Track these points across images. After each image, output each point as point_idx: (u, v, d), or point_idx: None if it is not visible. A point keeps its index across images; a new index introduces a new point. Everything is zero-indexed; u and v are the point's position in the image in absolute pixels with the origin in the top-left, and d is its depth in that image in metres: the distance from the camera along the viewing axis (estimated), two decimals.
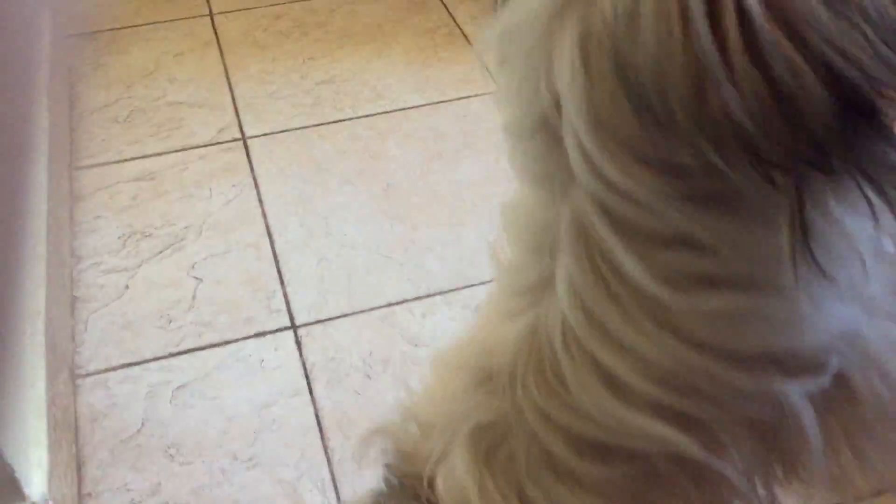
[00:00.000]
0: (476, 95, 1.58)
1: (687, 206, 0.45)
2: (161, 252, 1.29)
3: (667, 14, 0.39)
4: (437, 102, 1.57)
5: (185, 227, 1.33)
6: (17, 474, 0.81)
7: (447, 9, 1.82)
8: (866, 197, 0.41)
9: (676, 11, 0.39)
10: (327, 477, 1.00)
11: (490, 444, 0.57)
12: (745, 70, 0.38)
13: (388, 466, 0.64)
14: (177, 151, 1.47)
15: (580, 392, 0.52)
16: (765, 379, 0.50)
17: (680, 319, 0.48)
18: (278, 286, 1.23)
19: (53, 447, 0.91)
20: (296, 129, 1.52)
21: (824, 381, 0.50)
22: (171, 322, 1.18)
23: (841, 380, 0.51)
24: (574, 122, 0.44)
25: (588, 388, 0.52)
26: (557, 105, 0.46)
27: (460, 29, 1.76)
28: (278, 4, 1.84)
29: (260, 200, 1.38)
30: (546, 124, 0.48)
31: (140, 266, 1.26)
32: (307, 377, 1.11)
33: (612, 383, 0.51)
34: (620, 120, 0.43)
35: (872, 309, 0.50)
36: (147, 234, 1.32)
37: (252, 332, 1.17)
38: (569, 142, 0.46)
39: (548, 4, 0.45)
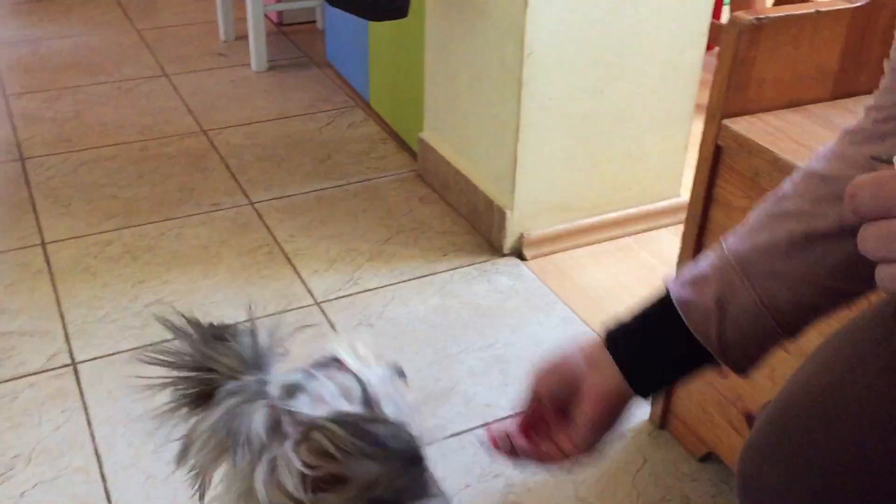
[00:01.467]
0: (293, 309, 1.77)
1: None
2: None
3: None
4: (259, 318, 1.74)
5: (14, 457, 1.40)
6: None
7: (268, 229, 2.03)
8: None
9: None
10: None
11: None
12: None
13: None
14: (6, 381, 1.55)
15: None
16: None
17: None
18: None
19: None
20: (125, 350, 1.64)
21: None
22: None
23: None
24: None
25: None
26: None
27: (280, 247, 1.97)
28: (109, 231, 1.99)
29: (89, 423, 1.47)
30: None
31: None
32: None
33: None
34: None
35: None
36: None
37: None
38: None
39: None
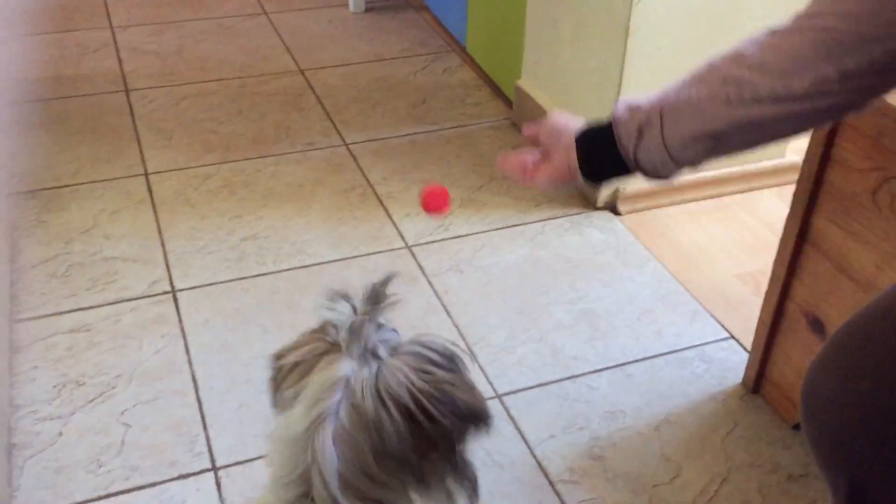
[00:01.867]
0: (384, 251, 1.78)
1: None
2: (93, 400, 1.41)
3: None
4: (351, 258, 1.76)
5: (117, 377, 1.46)
6: None
7: (362, 171, 2.04)
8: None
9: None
10: None
11: None
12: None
13: None
14: (110, 304, 1.61)
15: None
16: None
17: None
18: (201, 430, 1.37)
19: None
20: (221, 282, 1.69)
21: None
22: (101, 466, 1.30)
23: None
24: (328, 485, 0.77)
25: None
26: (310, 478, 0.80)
27: (373, 189, 1.98)
28: (208, 165, 2.04)
29: (187, 350, 1.52)
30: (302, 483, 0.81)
31: (73, 414, 1.38)
32: None
33: None
34: (359, 482, 0.79)
35: None
36: (80, 383, 1.44)
37: (175, 475, 1.30)
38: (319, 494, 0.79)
39: (306, 419, 0.79)
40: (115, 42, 2.59)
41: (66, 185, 1.94)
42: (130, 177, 1.98)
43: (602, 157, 0.85)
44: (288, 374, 0.83)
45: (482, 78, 2.47)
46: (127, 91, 2.33)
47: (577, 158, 0.86)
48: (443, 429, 0.78)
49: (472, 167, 2.08)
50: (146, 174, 2.00)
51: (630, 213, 1.92)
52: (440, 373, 0.80)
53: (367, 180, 2.01)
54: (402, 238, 1.82)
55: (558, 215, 1.91)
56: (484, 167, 2.07)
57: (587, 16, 1.84)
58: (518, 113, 2.22)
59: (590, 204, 1.94)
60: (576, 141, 0.87)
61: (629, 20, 1.69)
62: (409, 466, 0.79)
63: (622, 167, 0.84)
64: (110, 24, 2.71)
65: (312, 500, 0.77)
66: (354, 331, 0.80)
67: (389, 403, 0.77)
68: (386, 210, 1.91)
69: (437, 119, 2.27)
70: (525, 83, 2.18)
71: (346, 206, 1.92)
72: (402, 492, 0.80)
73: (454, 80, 2.47)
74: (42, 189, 1.92)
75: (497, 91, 2.40)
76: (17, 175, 1.95)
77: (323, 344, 0.83)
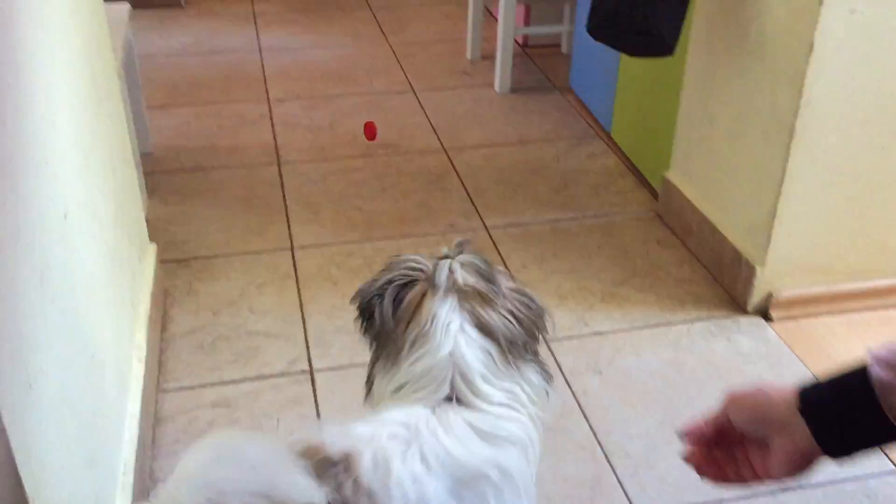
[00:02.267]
0: None
1: None
2: None
3: None
4: None
5: None
6: None
7: (501, 257, 2.03)
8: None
9: None
10: None
11: None
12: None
13: None
14: (251, 380, 1.64)
15: None
16: None
17: None
18: None
19: None
20: (360, 365, 1.69)
21: None
22: None
23: None
24: (472, 383, 0.93)
25: None
26: None
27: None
28: (351, 242, 2.07)
29: None
30: None
31: None
32: None
33: None
34: (492, 374, 0.94)
35: None
36: None
37: None
38: None
39: (448, 341, 0.94)
40: (271, 115, 2.71)
41: (217, 256, 2.01)
42: (277, 250, 2.04)
43: (855, 428, 0.69)
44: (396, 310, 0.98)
45: (626, 165, 2.43)
46: (279, 164, 2.42)
47: (813, 436, 0.70)
48: (535, 320, 0.99)
49: (614, 259, 2.02)
50: (292, 248, 2.05)
51: (783, 319, 1.81)
52: (509, 283, 1.01)
53: (507, 267, 1.99)
54: None
55: (704, 317, 1.82)
56: (626, 260, 2.02)
57: (747, 113, 1.77)
58: (664, 205, 2.16)
59: (739, 307, 1.84)
60: (802, 415, 0.70)
61: (795, 120, 1.62)
62: (523, 354, 0.97)
63: (890, 435, 0.68)
64: (268, 97, 2.84)
65: (458, 399, 0.92)
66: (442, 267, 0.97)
67: (502, 311, 0.95)
68: None
69: (579, 206, 2.24)
70: (674, 175, 2.12)
71: None
72: (518, 377, 0.96)
73: (598, 165, 2.44)
74: (195, 258, 2.00)
75: (642, 180, 2.34)
76: (173, 243, 2.05)
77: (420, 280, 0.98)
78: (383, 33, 3.39)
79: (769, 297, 1.80)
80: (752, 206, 1.77)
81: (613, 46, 1.77)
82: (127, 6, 2.27)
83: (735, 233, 1.85)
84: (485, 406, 0.92)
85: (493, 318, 0.94)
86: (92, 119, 1.36)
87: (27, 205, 0.95)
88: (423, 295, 0.96)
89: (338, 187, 2.31)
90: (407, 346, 0.95)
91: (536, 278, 1.95)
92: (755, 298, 1.81)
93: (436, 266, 0.98)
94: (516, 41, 3.25)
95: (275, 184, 2.32)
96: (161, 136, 2.54)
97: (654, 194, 2.26)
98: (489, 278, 0.97)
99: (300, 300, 1.87)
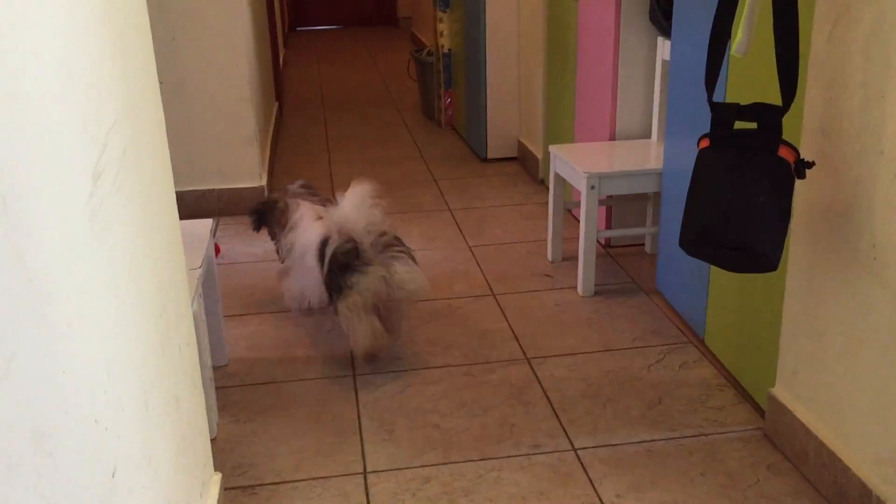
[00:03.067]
0: None
1: None
2: None
3: None
4: None
5: None
6: None
7: (592, 484, 1.84)
8: None
9: None
10: None
11: None
12: None
13: None
14: None
15: None
16: None
17: None
18: None
19: None
20: None
21: None
22: None
23: None
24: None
25: None
26: None
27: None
28: (428, 466, 1.92)
29: None
30: None
31: None
32: None
33: None
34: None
35: None
36: None
37: None
38: None
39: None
40: None
41: (285, 482, 1.88)
42: (349, 475, 1.90)
43: None
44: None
45: (725, 377, 2.25)
46: (354, 375, 2.33)
47: None
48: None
49: (721, 489, 1.80)
50: (365, 472, 1.91)
51: None
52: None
53: (599, 498, 1.79)
54: None
55: None
56: (735, 490, 1.80)
57: (863, 332, 1.61)
58: (772, 425, 1.95)
59: None
60: None
61: None
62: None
63: None
64: None
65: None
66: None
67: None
68: None
69: (675, 424, 2.05)
70: (780, 393, 1.93)
71: None
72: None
73: (693, 376, 2.27)
74: (261, 484, 1.88)
75: (744, 394, 2.15)
76: (240, 466, 1.93)
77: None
78: (463, 236, 3.38)
79: None
80: (878, 436, 1.56)
81: (710, 262, 1.66)
82: (210, 221, 2.30)
83: (861, 464, 1.63)
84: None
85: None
86: (156, 355, 1.29)
87: (65, 472, 0.86)
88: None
89: (415, 401, 2.19)
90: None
91: None
92: None
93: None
94: (599, 242, 3.18)
95: (349, 398, 2.22)
96: (237, 347, 2.50)
97: (758, 410, 2.06)
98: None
99: None
